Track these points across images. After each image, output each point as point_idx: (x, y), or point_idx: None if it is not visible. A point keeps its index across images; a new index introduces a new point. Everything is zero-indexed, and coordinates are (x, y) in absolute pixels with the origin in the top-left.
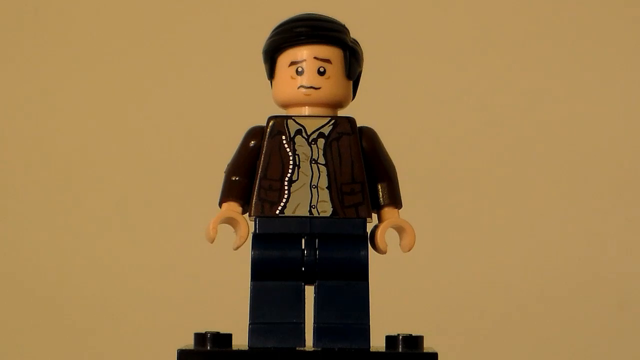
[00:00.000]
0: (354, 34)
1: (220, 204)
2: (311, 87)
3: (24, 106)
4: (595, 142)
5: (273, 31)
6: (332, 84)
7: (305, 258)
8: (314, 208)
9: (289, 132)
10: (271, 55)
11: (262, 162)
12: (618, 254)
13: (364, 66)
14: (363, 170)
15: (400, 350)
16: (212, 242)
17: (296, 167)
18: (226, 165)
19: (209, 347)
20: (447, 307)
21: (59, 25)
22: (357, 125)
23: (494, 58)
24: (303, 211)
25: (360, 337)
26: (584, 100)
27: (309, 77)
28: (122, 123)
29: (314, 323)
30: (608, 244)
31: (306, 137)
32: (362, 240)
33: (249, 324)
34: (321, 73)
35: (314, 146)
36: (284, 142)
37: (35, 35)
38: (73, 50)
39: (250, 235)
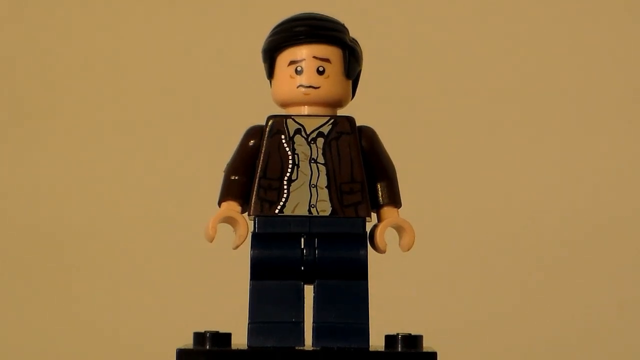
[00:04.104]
0: (354, 33)
1: (219, 204)
2: (310, 87)
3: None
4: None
5: (272, 30)
6: (332, 83)
7: (304, 257)
8: (313, 207)
9: (288, 132)
10: (270, 55)
11: (261, 161)
12: (617, 254)
13: (363, 65)
14: (362, 170)
15: (399, 349)
16: (211, 242)
17: (295, 167)
18: (225, 165)
19: (208, 347)
20: (447, 306)
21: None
22: (357, 125)
23: (494, 57)
24: (302, 210)
25: (359, 336)
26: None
27: (308, 76)
28: (121, 123)
29: (313, 322)
30: (611, 245)
31: (305, 136)
32: (362, 240)
33: (248, 324)
34: (320, 72)
35: (313, 145)
36: (283, 141)
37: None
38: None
39: (250, 235)
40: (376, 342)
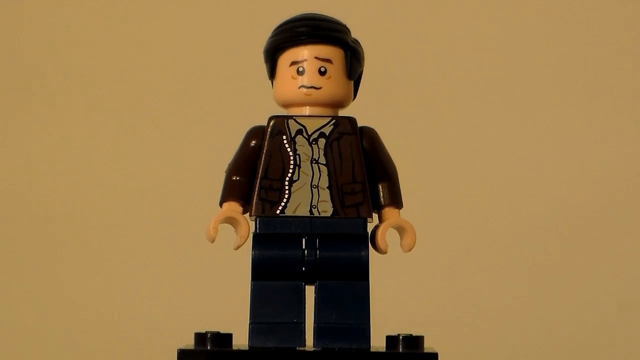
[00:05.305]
0: (355, 34)
1: (220, 204)
2: (312, 87)
3: None
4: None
5: (274, 31)
6: (333, 84)
7: (305, 258)
8: (314, 208)
9: (289, 132)
10: (272, 55)
11: (262, 162)
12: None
13: (365, 66)
14: (364, 170)
15: (400, 350)
16: (212, 242)
17: (297, 167)
18: (227, 165)
19: (209, 347)
20: (447, 307)
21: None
22: (358, 125)
23: (494, 58)
24: (304, 211)
25: (360, 337)
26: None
27: (310, 77)
28: (122, 123)
29: (314, 323)
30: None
31: (307, 137)
32: (363, 240)
33: (249, 324)
34: (322, 73)
35: (314, 146)
36: (285, 142)
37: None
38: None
39: (251, 235)
40: (377, 342)
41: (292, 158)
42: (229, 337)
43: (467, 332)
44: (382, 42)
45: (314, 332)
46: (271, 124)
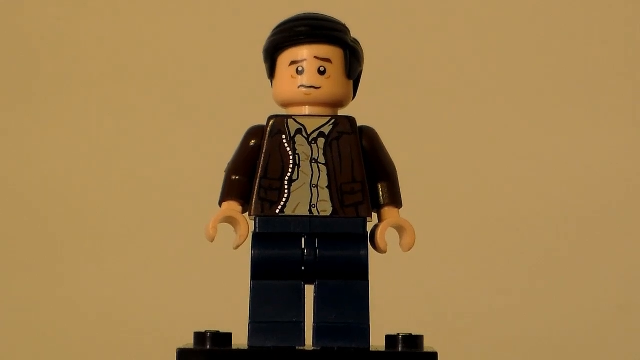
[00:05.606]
0: (355, 33)
1: (220, 203)
2: (311, 87)
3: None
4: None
5: (273, 30)
6: (333, 84)
7: (305, 257)
8: (314, 207)
9: (289, 132)
10: (271, 55)
11: (262, 161)
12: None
13: (364, 66)
14: (363, 170)
15: (400, 349)
16: (212, 242)
17: (296, 167)
18: (226, 165)
19: (208, 346)
20: (447, 306)
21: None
22: (358, 125)
23: (494, 56)
24: (303, 210)
25: (360, 336)
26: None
27: (309, 76)
28: (122, 123)
29: (314, 322)
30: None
31: (306, 136)
32: (362, 240)
33: (249, 323)
34: (321, 72)
35: (314, 145)
36: (284, 141)
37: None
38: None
39: (250, 235)
40: (377, 342)
41: (291, 157)
42: (228, 336)
43: (467, 332)
44: (382, 42)
45: (313, 331)
46: (270, 123)
